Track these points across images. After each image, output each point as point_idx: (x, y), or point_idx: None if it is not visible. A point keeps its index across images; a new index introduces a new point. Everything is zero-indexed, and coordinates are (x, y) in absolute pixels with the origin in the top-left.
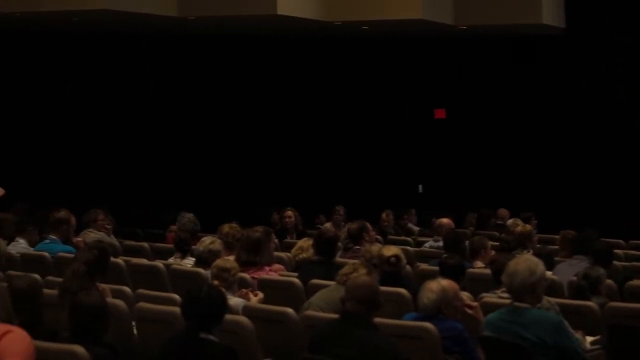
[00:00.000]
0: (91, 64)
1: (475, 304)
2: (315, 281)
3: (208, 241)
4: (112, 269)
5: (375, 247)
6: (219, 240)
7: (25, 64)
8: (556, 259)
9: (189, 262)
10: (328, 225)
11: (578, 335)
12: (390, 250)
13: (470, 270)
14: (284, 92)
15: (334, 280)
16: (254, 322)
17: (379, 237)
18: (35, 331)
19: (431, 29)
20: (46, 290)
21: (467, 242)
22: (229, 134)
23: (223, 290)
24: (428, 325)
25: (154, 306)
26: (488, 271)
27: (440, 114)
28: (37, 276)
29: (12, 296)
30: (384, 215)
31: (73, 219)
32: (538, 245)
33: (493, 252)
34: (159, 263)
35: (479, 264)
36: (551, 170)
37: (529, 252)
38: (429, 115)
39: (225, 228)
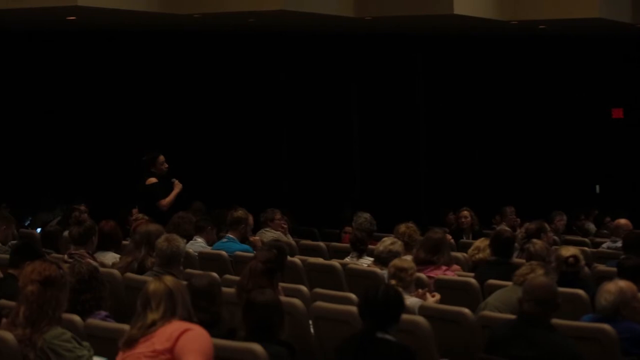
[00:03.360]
0: (266, 64)
1: None
2: (491, 281)
3: (389, 242)
4: (289, 268)
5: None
6: (399, 242)
7: (199, 65)
8: None
9: (365, 262)
10: (504, 225)
11: None
12: (569, 251)
13: None
14: (459, 93)
15: (510, 280)
16: (431, 322)
17: (556, 238)
18: (214, 329)
19: (609, 28)
20: (224, 289)
21: None
22: (414, 135)
23: (400, 290)
24: (606, 326)
25: (331, 305)
26: None
27: (617, 113)
28: (215, 275)
29: (191, 295)
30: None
31: (251, 218)
32: None
33: None
34: (335, 262)
35: None
36: None
37: None
38: (606, 115)
39: (402, 228)
